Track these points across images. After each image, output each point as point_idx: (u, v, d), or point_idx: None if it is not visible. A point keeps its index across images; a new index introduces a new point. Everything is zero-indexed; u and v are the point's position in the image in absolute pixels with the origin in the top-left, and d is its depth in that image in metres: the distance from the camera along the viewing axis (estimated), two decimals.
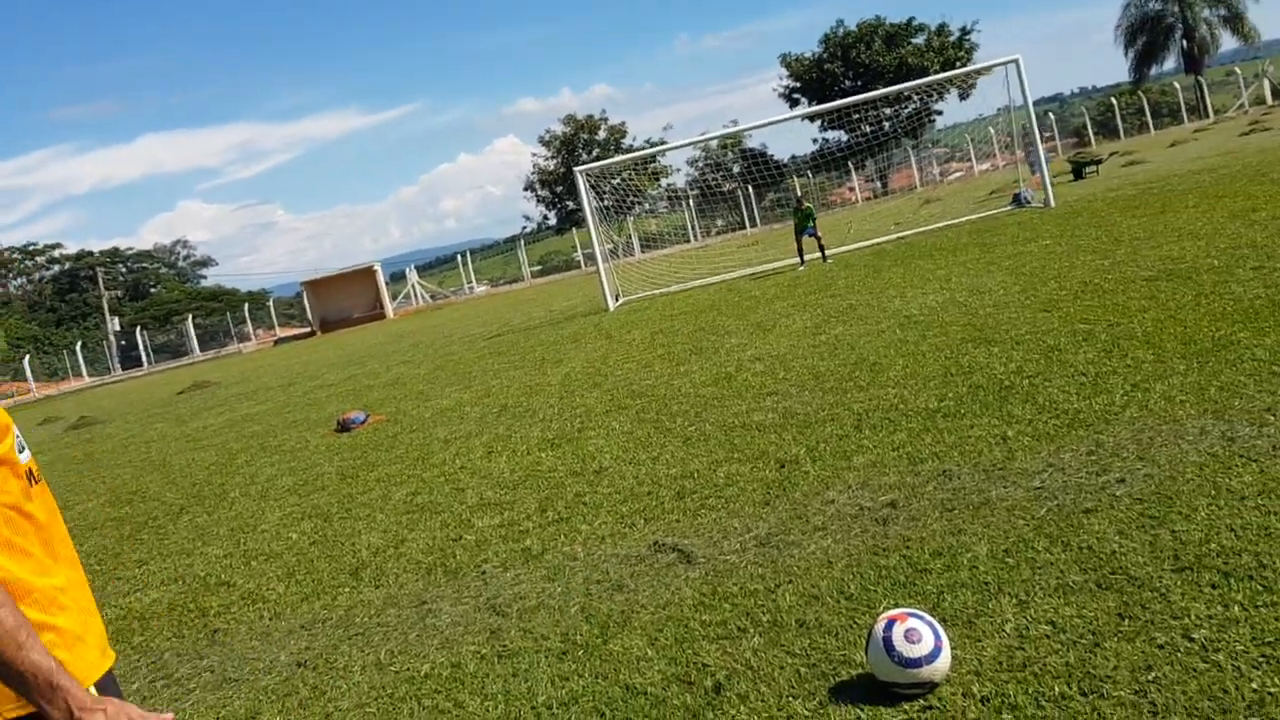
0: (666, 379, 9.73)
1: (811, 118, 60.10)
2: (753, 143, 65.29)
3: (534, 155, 76.84)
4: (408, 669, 4.22)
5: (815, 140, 66.59)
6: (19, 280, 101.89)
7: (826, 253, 20.50)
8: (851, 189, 57.78)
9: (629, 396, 9.26)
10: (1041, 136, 22.90)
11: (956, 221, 22.01)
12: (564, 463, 7.26)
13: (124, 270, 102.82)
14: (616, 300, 21.08)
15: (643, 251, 39.76)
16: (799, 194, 28.19)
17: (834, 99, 47.76)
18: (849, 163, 51.28)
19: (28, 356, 61.28)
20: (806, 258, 20.76)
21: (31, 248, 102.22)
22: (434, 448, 9.01)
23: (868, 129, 39.14)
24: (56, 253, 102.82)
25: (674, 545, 4.95)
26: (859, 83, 62.91)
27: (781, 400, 7.62)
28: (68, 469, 14.46)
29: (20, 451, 2.01)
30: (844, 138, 55.03)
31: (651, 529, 5.32)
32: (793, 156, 62.83)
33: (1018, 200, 22.36)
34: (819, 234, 20.67)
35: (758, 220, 54.49)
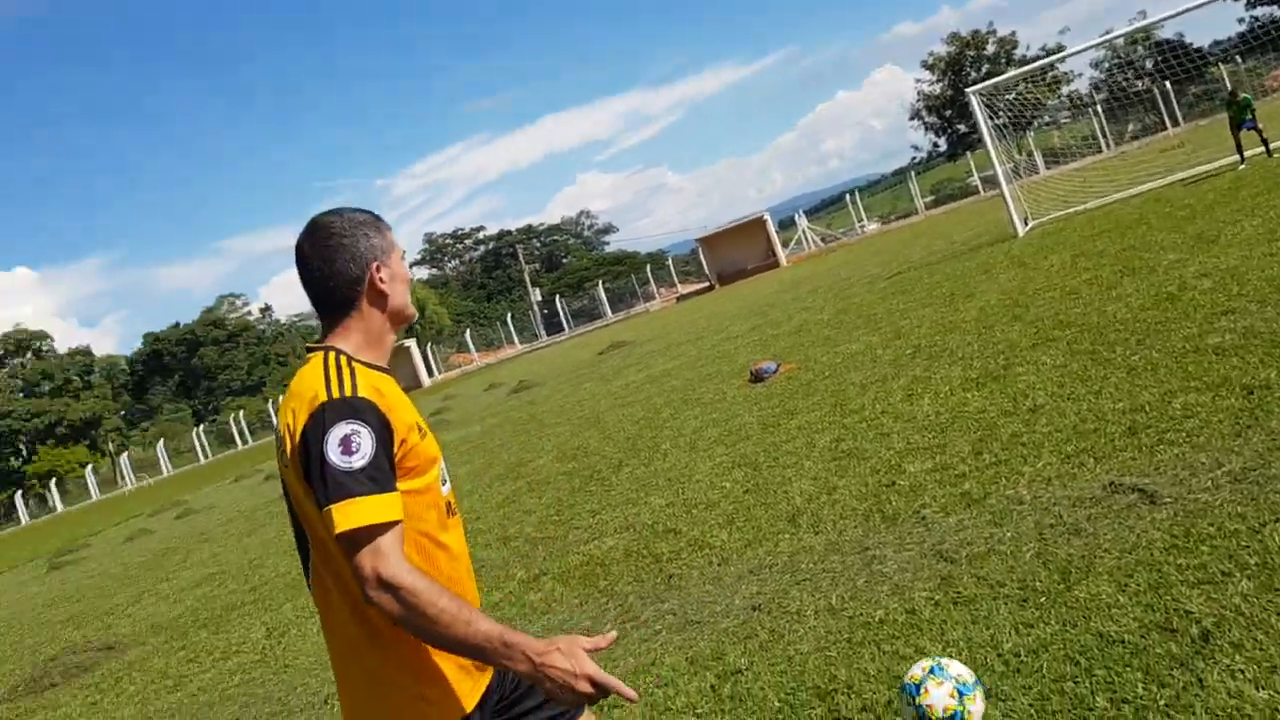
0: (1097, 305, 9.03)
1: None
2: (1166, 33, 58.56)
3: (917, 81, 73.98)
4: (861, 614, 4.27)
5: (1241, 20, 58.48)
6: (453, 262, 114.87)
7: (1270, 145, 18.03)
8: None
9: (1056, 327, 8.69)
10: None
11: None
12: (993, 402, 6.98)
13: (538, 244, 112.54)
14: (1025, 224, 19.83)
15: (1047, 168, 37.12)
16: (1230, 84, 24.80)
17: None
18: None
19: (468, 330, 69.00)
20: (1247, 154, 18.41)
21: (460, 232, 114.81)
22: (850, 393, 9.02)
23: None
24: (481, 235, 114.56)
25: (1133, 485, 4.61)
26: None
27: (1239, 319, 6.80)
28: (517, 430, 16.13)
29: (443, 484, 2.24)
30: (1277, 12, 47.83)
31: (1103, 468, 4.98)
32: (1214, 42, 55.61)
33: None
34: (1259, 125, 18.24)
35: (1180, 119, 48.82)
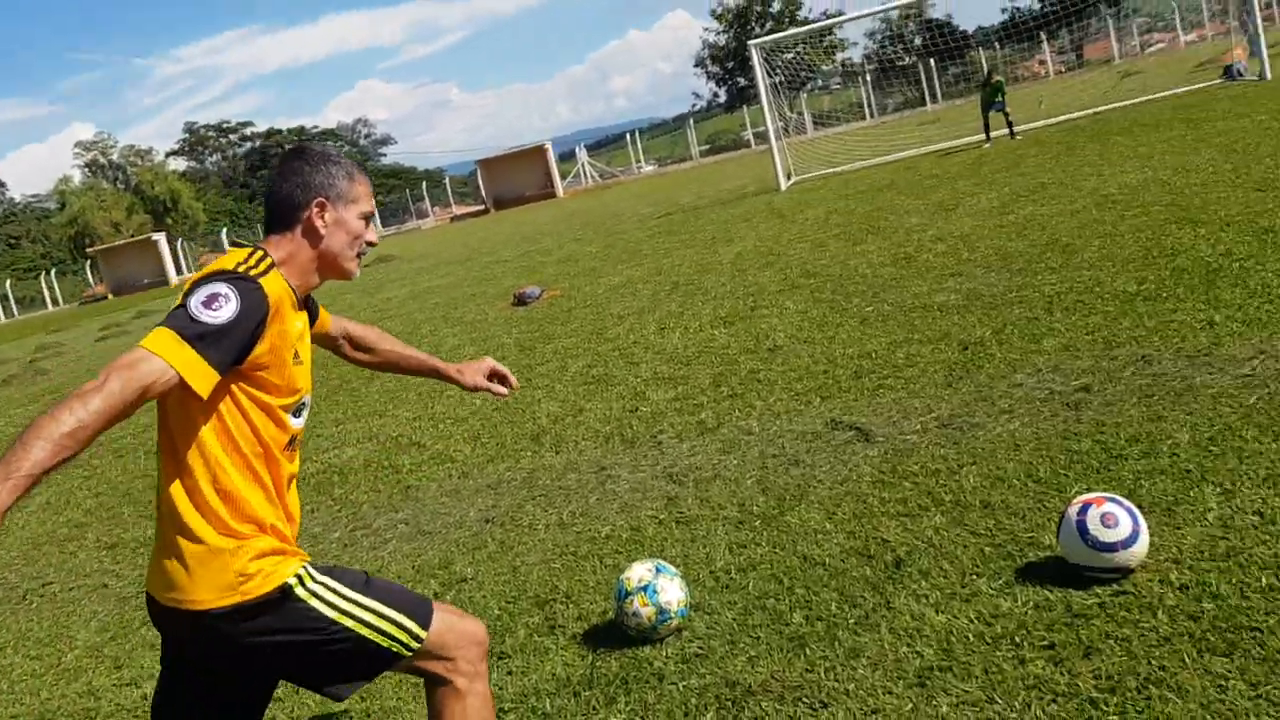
0: (842, 259, 9.53)
1: None
2: (936, 13, 61.97)
3: (705, 30, 75.11)
4: (589, 530, 4.37)
5: (1004, 10, 62.70)
6: (214, 157, 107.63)
7: (1015, 129, 19.49)
8: (1042, 61, 54.29)
9: (803, 276, 9.12)
10: (1260, 2, 20.82)
11: (1159, 96, 20.44)
12: (737, 340, 7.26)
13: None
14: (789, 180, 20.65)
15: (816, 129, 38.69)
16: (988, 67, 26.47)
17: None
18: (1041, 33, 48.02)
19: (225, 229, 65.10)
20: (993, 134, 19.82)
21: (225, 125, 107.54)
22: (608, 323, 9.15)
23: None
24: (249, 130, 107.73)
25: (851, 423, 4.91)
26: None
27: (965, 281, 7.36)
28: None
29: (295, 415, 2.25)
30: (1036, 6, 51.55)
31: (828, 407, 5.28)
32: (979, 27, 59.36)
33: (1229, 73, 20.59)
34: (1008, 109, 19.66)
35: (939, 96, 51.97)
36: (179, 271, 54.93)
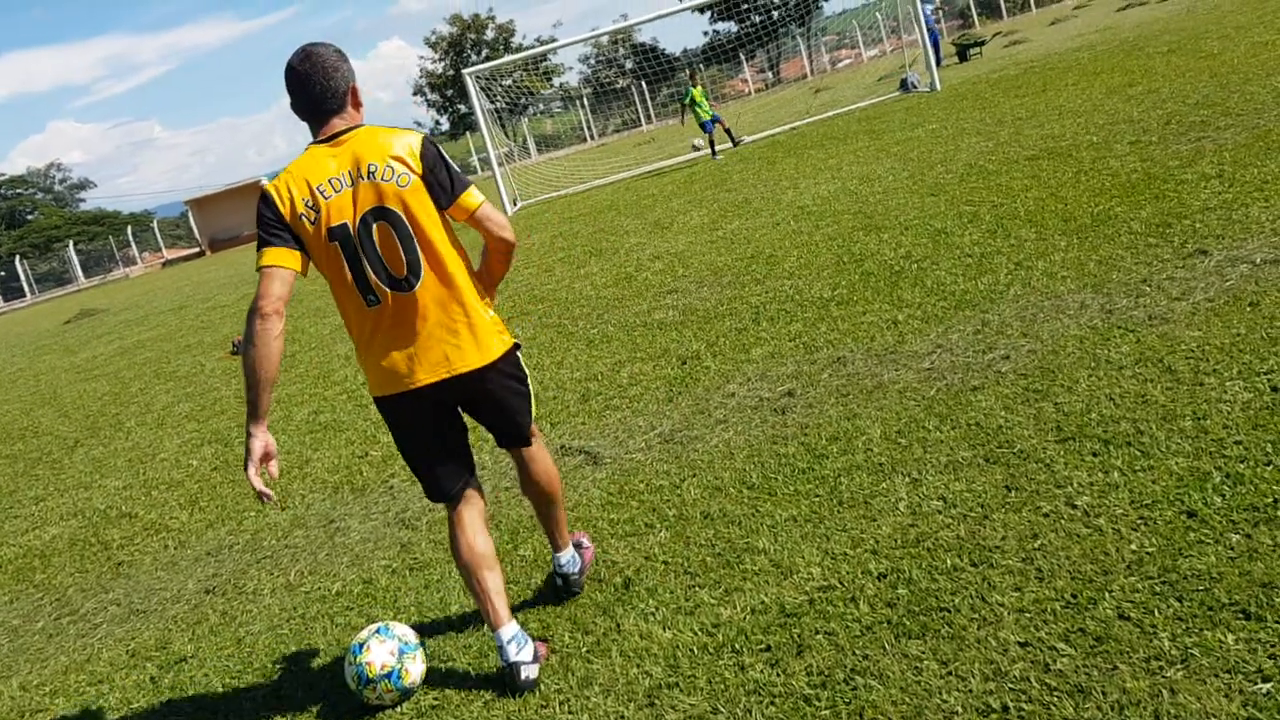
0: (567, 282, 9.68)
1: (701, 9, 59.24)
2: (644, 37, 64.27)
3: (421, 59, 74.36)
4: (319, 588, 4.21)
5: (706, 33, 65.89)
6: None
7: (716, 148, 20.25)
8: (744, 81, 57.41)
9: (530, 301, 9.20)
10: (927, 15, 22.88)
11: (847, 110, 22.08)
12: None
13: None
14: (514, 204, 20.77)
15: (539, 153, 39.14)
16: (689, 73, 26.83)
17: None
18: (740, 54, 50.79)
19: None
20: (719, 147, 20.24)
21: None
22: (334, 365, 8.87)
23: (757, 19, 38.76)
24: None
25: (580, 447, 4.99)
26: None
27: (681, 298, 7.65)
28: None
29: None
30: (734, 29, 54.47)
31: (558, 433, 5.34)
32: (685, 50, 61.97)
33: (904, 85, 22.49)
34: (714, 130, 20.20)
35: (654, 116, 53.88)
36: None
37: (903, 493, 3.58)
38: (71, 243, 61.03)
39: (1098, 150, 8.62)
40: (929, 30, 22.78)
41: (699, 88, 20.47)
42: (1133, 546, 2.87)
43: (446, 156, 2.99)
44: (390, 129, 3.04)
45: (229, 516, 5.52)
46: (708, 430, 4.76)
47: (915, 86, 22.03)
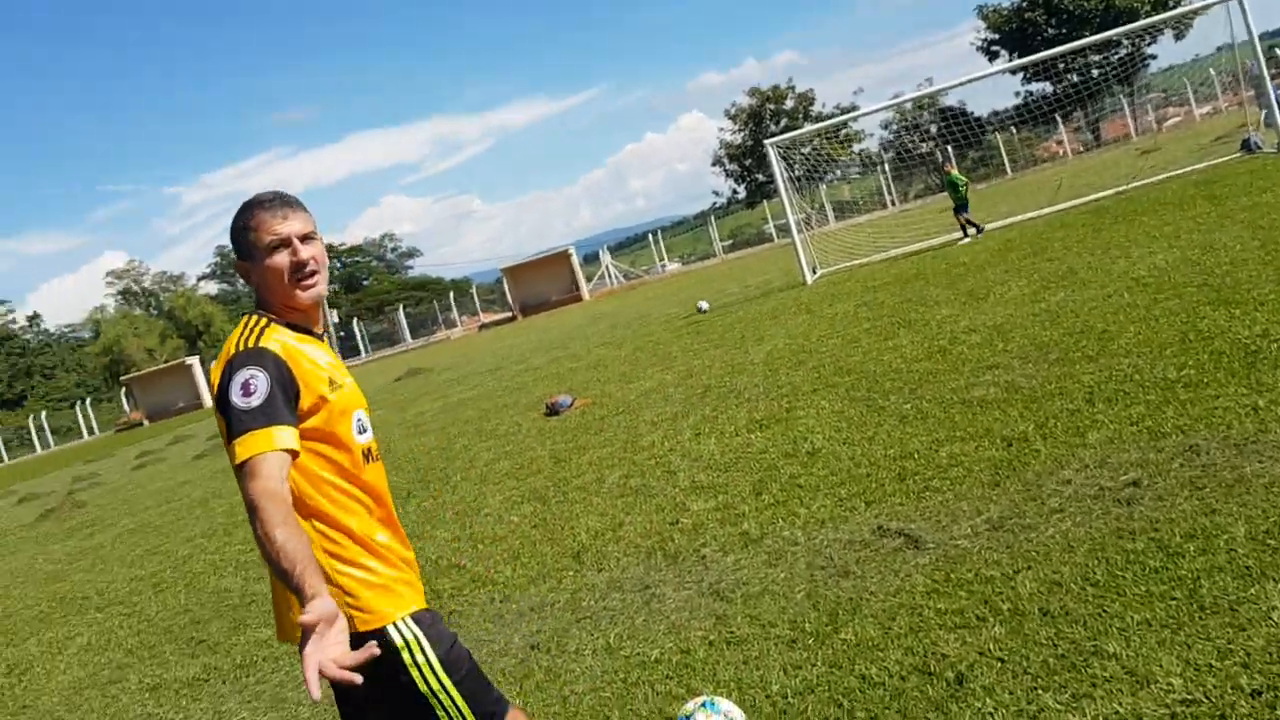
0: (875, 354, 9.48)
1: (1013, 71, 57.35)
2: (950, 100, 62.92)
3: (720, 130, 76.49)
4: (638, 654, 4.26)
5: (1017, 94, 63.56)
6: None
7: (978, 228, 19.69)
8: (1060, 142, 54.81)
9: (836, 373, 9.07)
10: (1270, 75, 20.91)
11: (1180, 172, 20.49)
12: (775, 444, 7.18)
13: (339, 265, 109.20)
14: (814, 273, 20.74)
15: (837, 220, 39.03)
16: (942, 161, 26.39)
17: (1037, 49, 45.34)
18: (1056, 115, 48.57)
19: None
20: (968, 232, 19.94)
21: None
22: (642, 430, 9.10)
23: (1075, 78, 36.98)
24: None
25: (899, 529, 4.81)
26: (1063, 30, 59.46)
27: (1003, 374, 7.28)
28: None
29: (361, 432, 2.52)
30: (1050, 89, 52.24)
31: (873, 512, 5.18)
32: (994, 112, 60.01)
33: (1247, 146, 20.62)
34: (968, 213, 19.88)
35: None
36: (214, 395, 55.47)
37: (1276, 601, 3.18)
38: (401, 306, 67.12)
39: None
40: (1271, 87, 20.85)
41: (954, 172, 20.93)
42: None
43: (235, 386, 2.30)
44: (237, 326, 2.50)
45: (549, 574, 5.74)
46: (1041, 519, 4.45)
47: (1259, 147, 20.14)
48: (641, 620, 4.63)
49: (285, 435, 2.27)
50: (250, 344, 2.38)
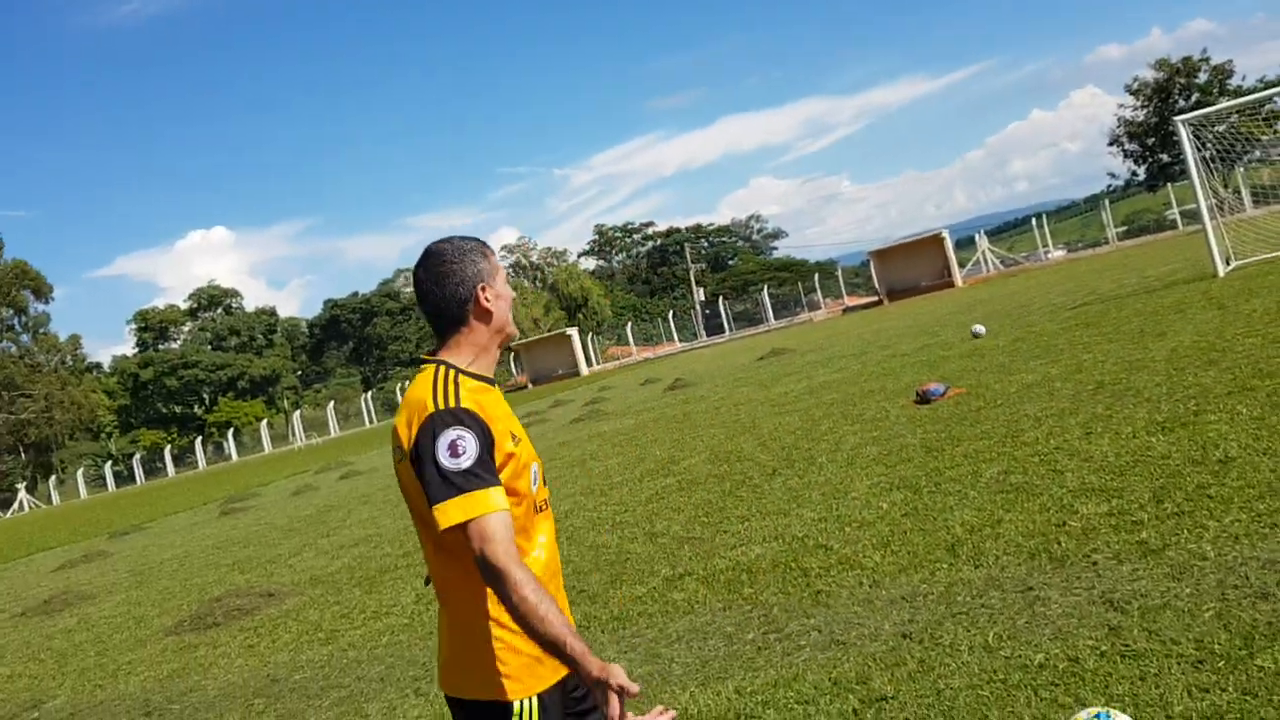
0: None
1: None
2: None
3: (1120, 106, 70.40)
4: (1019, 656, 4.08)
5: None
6: (620, 256, 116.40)
7: None
8: None
9: (1255, 376, 8.11)
10: None
11: None
12: (1179, 449, 6.56)
13: (706, 244, 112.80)
14: (1227, 264, 18.61)
15: (1256, 207, 34.82)
16: None
17: None
18: None
19: (629, 323, 69.69)
20: None
21: (629, 226, 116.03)
22: (1023, 425, 8.64)
23: None
24: (650, 230, 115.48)
25: None
26: None
27: None
28: (670, 427, 16.18)
29: (533, 483, 2.49)
30: None
31: (1268, 545, 4.60)
32: None
33: None
34: None
35: None
36: (589, 364, 59.50)
37: None
38: (765, 286, 68.10)
39: None
40: None
41: None
42: None
43: (442, 446, 2.27)
44: (426, 379, 2.43)
45: (921, 565, 5.62)
46: None
47: None
48: (1023, 622, 4.42)
49: (501, 497, 2.27)
50: (451, 402, 2.33)
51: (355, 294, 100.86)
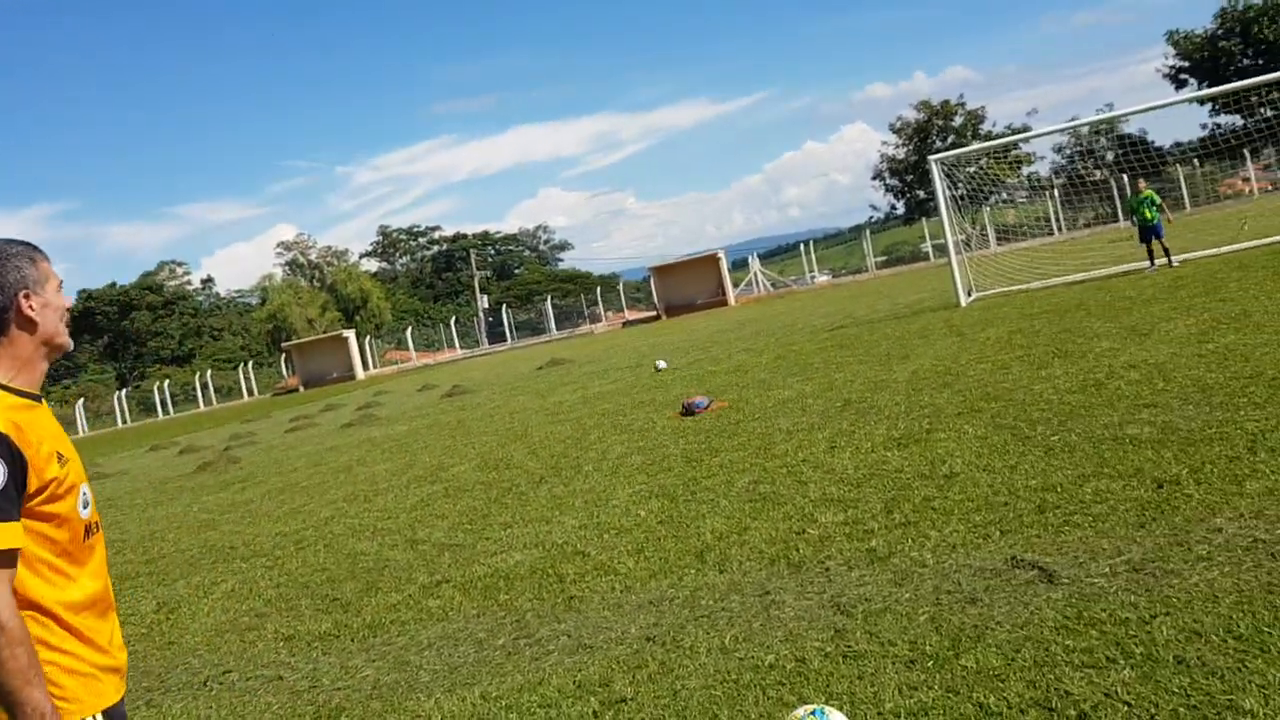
0: (1026, 383, 9.18)
1: (1202, 101, 54.52)
2: (1130, 128, 60.26)
3: (883, 143, 75.05)
4: (752, 657, 4.26)
5: (1204, 125, 60.58)
6: (404, 259, 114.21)
7: (1172, 257, 18.77)
8: (1246, 179, 51.79)
9: (983, 399, 8.83)
10: None
11: None
12: (911, 464, 7.05)
13: (493, 252, 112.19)
14: (969, 295, 20.19)
15: (998, 244, 37.88)
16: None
17: (1229, 79, 42.98)
18: (1244, 150, 45.94)
19: (410, 328, 68.35)
20: (1157, 261, 19.01)
21: (415, 229, 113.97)
22: (776, 438, 9.06)
23: (1269, 113, 34.85)
24: (436, 234, 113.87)
25: (1034, 562, 4.66)
26: (1259, 61, 56.23)
27: (1160, 413, 6.96)
28: (443, 433, 15.97)
29: (83, 508, 2.35)
30: (1239, 122, 49.49)
31: (1008, 542, 5.04)
32: (1176, 143, 57.19)
33: None
34: (1164, 239, 18.93)
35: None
36: (365, 367, 57.87)
37: None
38: (550, 297, 68.39)
39: None
40: None
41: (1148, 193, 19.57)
42: None
43: None
44: None
45: (671, 570, 5.78)
46: (1187, 566, 4.25)
47: None
48: (759, 625, 4.63)
49: (9, 533, 2.10)
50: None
51: (113, 284, 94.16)
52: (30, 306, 2.31)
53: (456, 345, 66.37)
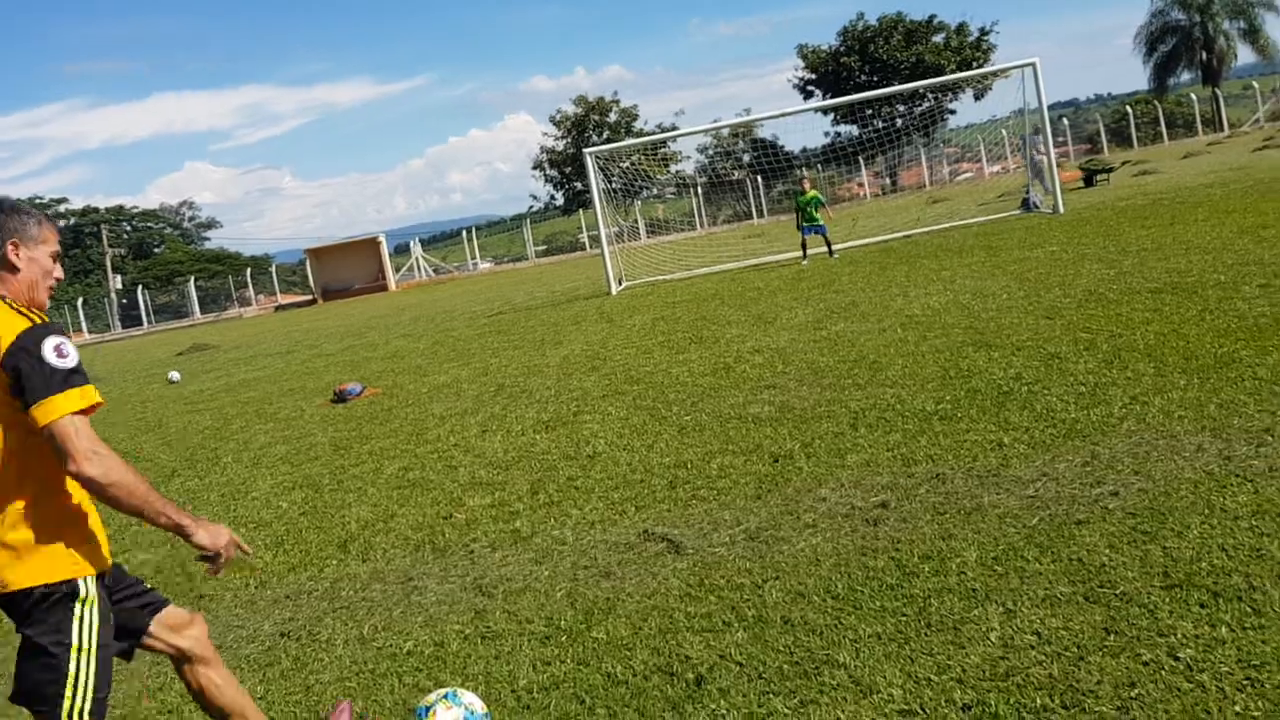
0: (665, 366, 9.71)
1: (825, 110, 59.87)
2: (764, 133, 65.00)
3: (544, 135, 76.23)
4: (390, 645, 4.21)
5: (827, 134, 66.47)
6: None
7: (833, 247, 20.15)
8: (861, 184, 57.58)
9: (627, 382, 9.23)
10: (1054, 142, 22.63)
11: (964, 223, 21.94)
12: (558, 445, 7.25)
13: (129, 229, 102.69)
14: (619, 284, 21.03)
15: (648, 237, 39.71)
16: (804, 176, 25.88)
17: (849, 93, 47.48)
18: (860, 158, 51.05)
19: None
20: (810, 252, 20.29)
21: (38, 200, 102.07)
22: (429, 424, 8.99)
23: (880, 124, 39.01)
24: (62, 208, 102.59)
25: (663, 535, 4.94)
26: (875, 78, 62.54)
27: (779, 394, 7.60)
28: None
29: None
30: (856, 132, 54.86)
31: (642, 517, 5.31)
32: (804, 149, 62.49)
33: (1026, 205, 22.26)
34: (828, 233, 19.88)
35: (765, 211, 54.31)
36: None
37: (995, 623, 3.45)
38: (193, 279, 63.71)
39: (1225, 290, 8.38)
40: (1032, 160, 22.56)
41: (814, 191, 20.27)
42: (1237, 708, 2.71)
43: (49, 352, 2.50)
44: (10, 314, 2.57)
45: (311, 562, 5.59)
46: (795, 533, 4.67)
47: (1037, 206, 21.80)
48: (399, 612, 4.58)
49: (94, 392, 2.58)
50: (42, 319, 2.56)
51: None
52: (17, 254, 2.66)
53: (85, 330, 60.25)
